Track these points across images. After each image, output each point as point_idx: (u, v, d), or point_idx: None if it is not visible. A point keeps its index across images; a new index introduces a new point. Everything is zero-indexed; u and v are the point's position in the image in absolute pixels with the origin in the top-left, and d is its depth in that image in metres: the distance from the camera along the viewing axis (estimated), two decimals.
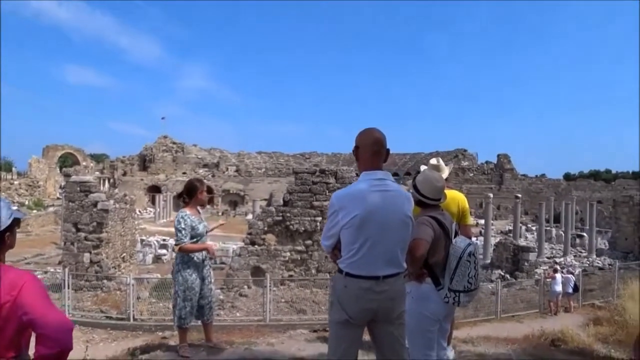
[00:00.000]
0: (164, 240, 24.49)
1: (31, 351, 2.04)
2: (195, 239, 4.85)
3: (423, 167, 4.32)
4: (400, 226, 2.79)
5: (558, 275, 14.38)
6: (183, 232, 4.74)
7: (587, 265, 22.87)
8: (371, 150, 2.86)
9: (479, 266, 3.41)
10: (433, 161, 4.52)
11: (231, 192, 52.81)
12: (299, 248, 14.11)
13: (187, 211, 4.90)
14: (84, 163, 56.56)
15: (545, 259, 24.31)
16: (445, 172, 4.40)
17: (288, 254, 14.07)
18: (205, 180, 5.33)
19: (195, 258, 4.88)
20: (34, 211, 35.60)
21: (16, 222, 2.13)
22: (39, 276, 13.22)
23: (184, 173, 55.38)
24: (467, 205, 4.44)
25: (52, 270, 15.77)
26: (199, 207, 5.10)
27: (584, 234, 30.96)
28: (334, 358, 2.83)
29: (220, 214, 45.90)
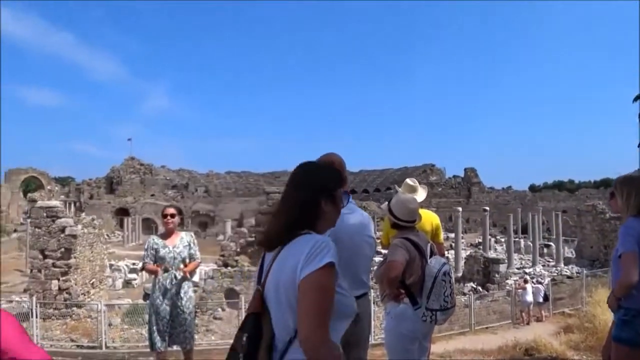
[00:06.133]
0: (133, 264, 24.01)
1: None
2: (159, 263, 4.92)
3: (398, 189, 4.42)
4: (363, 247, 2.89)
5: (528, 286, 14.66)
6: (145, 253, 5.06)
7: (555, 274, 23.39)
8: None
9: (454, 285, 3.50)
10: (409, 181, 4.60)
11: (201, 213, 52.30)
12: None
13: (154, 235, 5.25)
14: (49, 187, 55.13)
15: (515, 270, 24.79)
16: (421, 194, 4.49)
17: None
18: (174, 202, 5.30)
19: (160, 282, 4.87)
20: None
21: None
22: (3, 305, 12.83)
23: (153, 195, 54.61)
24: (439, 225, 4.55)
25: (17, 299, 15.28)
26: (183, 233, 5.20)
27: (551, 244, 31.70)
28: None
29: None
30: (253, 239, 14.17)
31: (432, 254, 3.57)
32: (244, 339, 1.80)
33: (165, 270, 4.90)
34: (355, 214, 2.93)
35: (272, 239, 1.91)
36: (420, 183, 4.65)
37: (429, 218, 4.41)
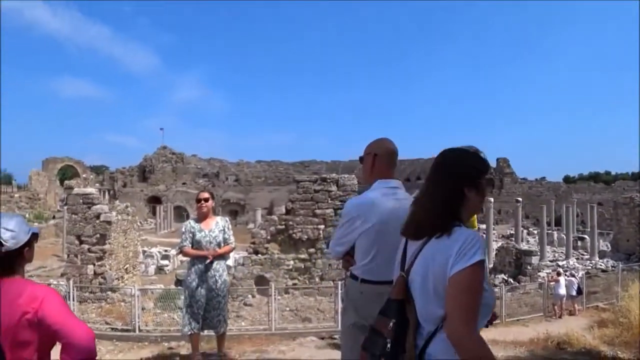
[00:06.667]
0: (165, 251, 24.47)
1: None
2: (195, 247, 4.99)
3: None
4: None
5: (561, 279, 14.41)
6: (182, 236, 5.10)
7: (589, 267, 22.87)
8: (388, 160, 2.94)
9: (487, 270, 3.45)
10: None
11: (231, 201, 52.82)
12: (303, 256, 14.12)
13: (191, 219, 5.25)
14: (84, 175, 56.52)
15: (548, 263, 24.32)
16: None
17: (291, 262, 14.09)
18: (206, 190, 5.36)
19: (197, 266, 4.94)
20: (35, 224, 35.57)
21: (34, 237, 2.18)
22: None
23: (184, 183, 55.39)
24: None
25: (55, 282, 15.73)
26: (218, 218, 5.25)
27: (586, 237, 30.97)
28: None
29: None
30: (283, 227, 14.25)
31: None
32: (391, 324, 1.85)
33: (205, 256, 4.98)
34: (403, 201, 2.87)
35: (420, 228, 1.92)
36: None
37: None
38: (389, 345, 1.81)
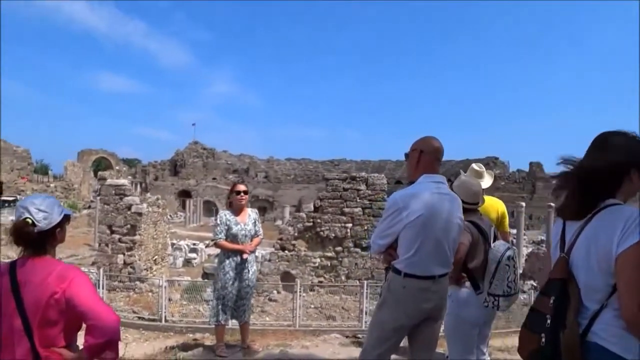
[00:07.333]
0: (194, 244, 24.76)
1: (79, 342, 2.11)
2: (230, 239, 4.94)
3: (462, 173, 4.28)
4: (454, 228, 2.89)
5: None
6: (218, 228, 4.98)
7: None
8: (434, 157, 3.00)
9: (518, 270, 3.37)
10: (475, 166, 4.43)
11: (260, 198, 53.10)
12: (329, 254, 14.09)
13: (226, 211, 5.11)
14: (117, 167, 57.67)
15: None
16: (487, 180, 4.34)
17: (318, 260, 14.07)
18: (241, 183, 5.29)
19: (232, 258, 4.92)
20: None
21: (66, 219, 2.21)
22: None
23: (214, 179, 55.96)
24: (506, 213, 4.37)
25: (86, 270, 16.09)
26: (249, 210, 5.20)
27: None
28: (371, 356, 2.85)
29: None
30: (311, 224, 14.24)
31: (495, 238, 3.45)
32: (552, 301, 1.89)
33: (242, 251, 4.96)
34: (451, 196, 2.96)
35: (579, 209, 1.95)
36: (486, 169, 4.48)
37: (495, 205, 4.25)
38: (548, 321, 1.85)
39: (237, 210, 5.10)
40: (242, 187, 5.12)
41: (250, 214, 5.16)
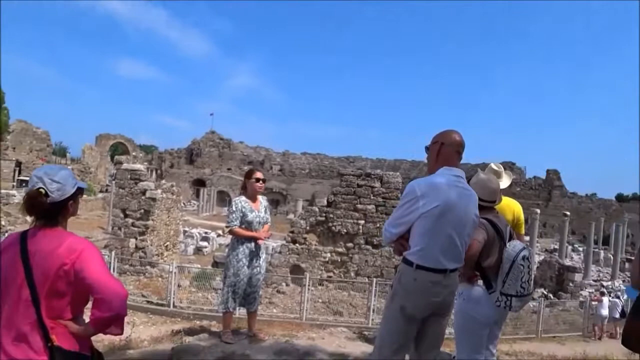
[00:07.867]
0: (205, 233, 24.92)
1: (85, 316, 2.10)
2: (244, 226, 4.90)
3: (480, 172, 4.19)
4: (469, 223, 2.84)
5: (605, 299, 13.85)
6: (233, 215, 4.89)
7: None
8: (455, 150, 2.95)
9: (532, 271, 3.30)
10: (493, 166, 4.34)
11: (274, 190, 53.22)
12: (340, 250, 14.06)
13: (242, 197, 5.05)
14: (134, 153, 58.13)
15: (592, 282, 23.43)
16: (505, 180, 4.25)
17: (328, 254, 14.05)
18: (259, 171, 5.24)
19: (245, 245, 4.90)
20: (84, 196, 36.83)
21: (79, 192, 2.19)
22: None
23: (229, 169, 56.21)
24: (522, 215, 4.27)
25: None
26: (260, 197, 5.16)
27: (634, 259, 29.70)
28: (388, 354, 2.79)
29: None
30: (323, 218, 14.22)
31: (511, 237, 3.38)
32: None
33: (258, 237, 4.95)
34: (469, 191, 2.93)
35: None
36: (505, 169, 4.39)
37: (511, 205, 4.16)
38: None
39: (253, 197, 5.08)
40: (260, 175, 5.11)
41: (262, 201, 5.15)
